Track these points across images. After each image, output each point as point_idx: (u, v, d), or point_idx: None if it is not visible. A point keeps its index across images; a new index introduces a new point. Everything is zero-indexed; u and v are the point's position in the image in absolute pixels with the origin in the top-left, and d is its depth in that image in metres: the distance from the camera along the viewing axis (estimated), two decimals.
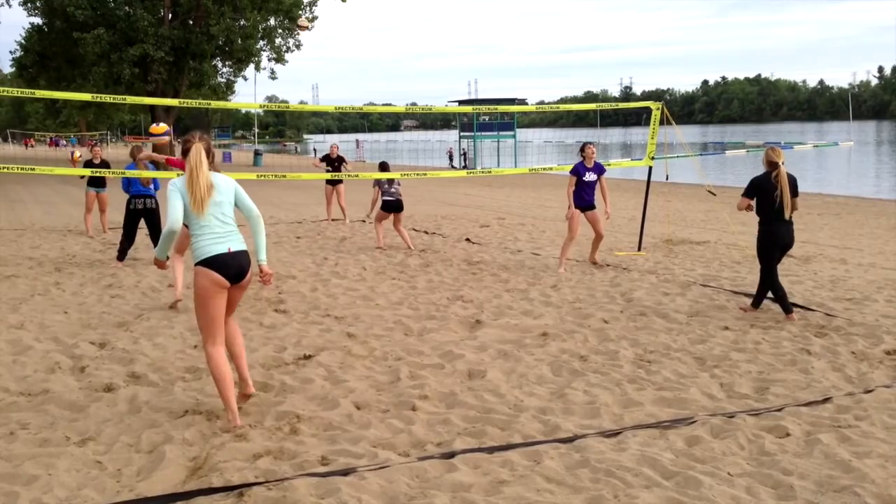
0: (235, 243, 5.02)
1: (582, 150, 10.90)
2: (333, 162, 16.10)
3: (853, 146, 54.20)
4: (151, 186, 11.23)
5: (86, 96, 13.55)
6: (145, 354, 6.54)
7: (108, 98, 12.51)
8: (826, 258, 11.96)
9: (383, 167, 13.19)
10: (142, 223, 11.31)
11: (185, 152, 5.05)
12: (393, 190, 12.83)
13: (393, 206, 12.81)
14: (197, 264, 4.96)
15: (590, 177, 10.73)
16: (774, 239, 7.79)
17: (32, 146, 74.91)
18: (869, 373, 6.05)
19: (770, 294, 7.98)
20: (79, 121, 76.67)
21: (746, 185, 8.01)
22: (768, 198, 7.74)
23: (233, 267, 4.98)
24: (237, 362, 5.30)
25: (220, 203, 5.02)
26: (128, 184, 11.30)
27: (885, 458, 4.40)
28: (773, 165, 7.79)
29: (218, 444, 4.65)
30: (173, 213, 4.94)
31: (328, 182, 16.26)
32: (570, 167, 11.06)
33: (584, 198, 10.75)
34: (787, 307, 7.79)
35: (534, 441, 4.70)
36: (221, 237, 4.99)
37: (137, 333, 7.26)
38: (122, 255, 11.20)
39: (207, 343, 5.02)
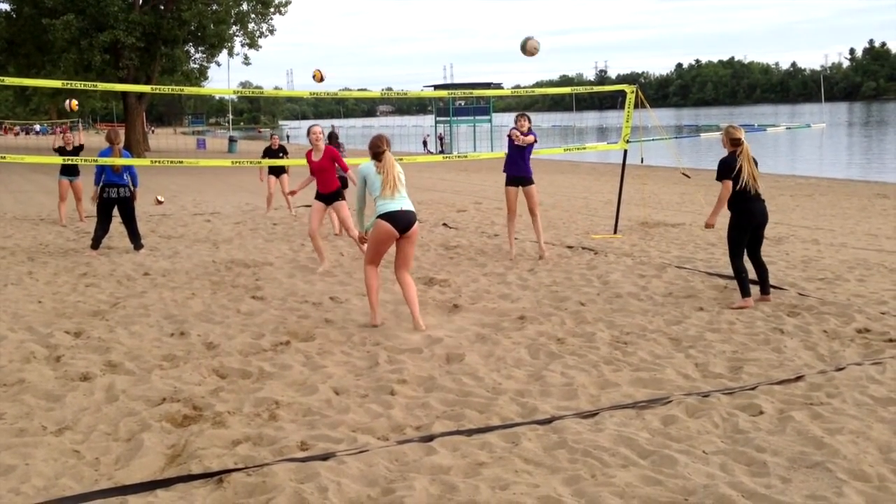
0: (406, 204, 7.01)
1: (516, 119, 10.39)
2: (276, 153, 15.76)
3: (825, 128, 54.80)
4: (125, 176, 11.08)
5: (56, 83, 13.39)
6: (121, 343, 6.50)
7: (78, 85, 12.34)
8: (798, 239, 12.11)
9: (332, 137, 12.87)
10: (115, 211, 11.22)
11: (378, 155, 7.04)
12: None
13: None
14: (378, 217, 6.97)
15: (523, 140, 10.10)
16: (751, 216, 7.63)
17: None
18: (840, 351, 6.15)
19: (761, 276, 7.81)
20: (49, 108, 75.63)
21: (718, 168, 7.75)
22: (738, 177, 7.56)
23: (402, 221, 6.92)
24: (411, 306, 7.03)
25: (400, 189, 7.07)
26: (100, 172, 11.14)
27: (856, 434, 4.48)
28: (736, 143, 7.62)
29: (196, 432, 4.64)
30: (360, 197, 7.26)
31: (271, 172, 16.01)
32: (545, 151, 11.01)
33: (514, 169, 10.25)
34: (746, 290, 7.63)
35: (512, 423, 4.74)
36: (386, 201, 7.00)
37: (113, 322, 7.21)
38: (96, 244, 11.09)
39: (365, 264, 7.19)
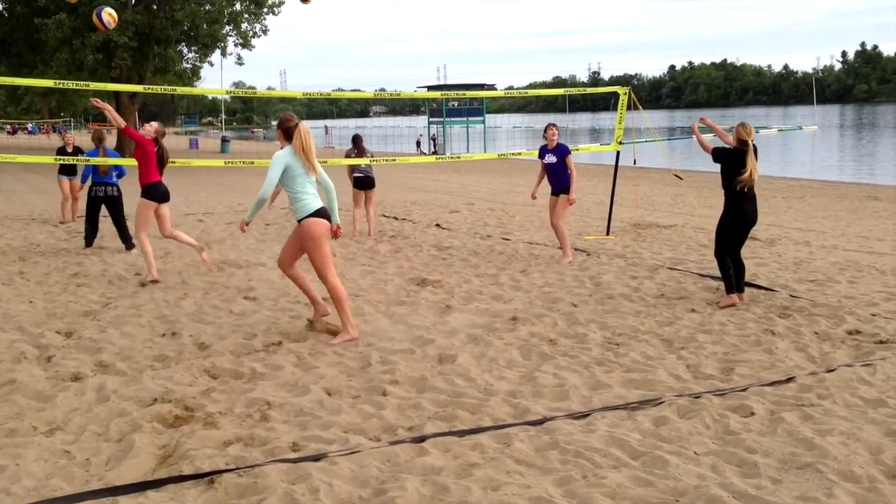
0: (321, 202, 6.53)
1: (545, 131, 10.53)
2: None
3: (817, 130, 54.92)
4: (113, 175, 11.20)
5: (48, 82, 13.33)
6: (113, 343, 6.48)
7: (70, 84, 12.27)
8: (790, 241, 12.15)
9: (356, 141, 12.72)
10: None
11: (288, 130, 6.35)
12: (363, 167, 12.56)
13: (363, 183, 12.66)
14: (309, 216, 6.41)
15: (549, 159, 10.36)
16: (742, 215, 7.70)
17: None
18: (831, 352, 6.17)
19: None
20: (41, 107, 75.36)
21: (717, 152, 7.83)
22: (735, 169, 7.60)
23: (328, 218, 6.53)
24: (309, 293, 6.90)
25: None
26: (88, 172, 11.25)
27: (846, 436, 4.50)
28: (742, 143, 7.65)
29: (188, 432, 4.63)
30: (270, 183, 6.33)
31: None
32: (538, 152, 10.97)
33: (553, 184, 10.43)
34: (731, 286, 7.71)
35: (504, 424, 4.74)
36: (316, 197, 6.48)
37: (104, 322, 7.19)
38: (88, 242, 11.14)
39: (329, 275, 6.59)
